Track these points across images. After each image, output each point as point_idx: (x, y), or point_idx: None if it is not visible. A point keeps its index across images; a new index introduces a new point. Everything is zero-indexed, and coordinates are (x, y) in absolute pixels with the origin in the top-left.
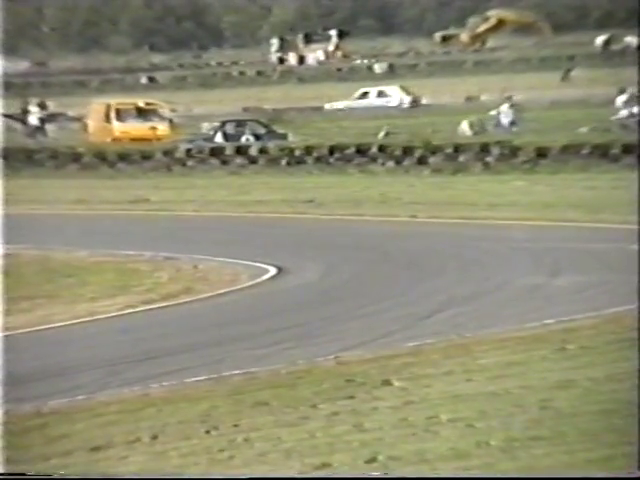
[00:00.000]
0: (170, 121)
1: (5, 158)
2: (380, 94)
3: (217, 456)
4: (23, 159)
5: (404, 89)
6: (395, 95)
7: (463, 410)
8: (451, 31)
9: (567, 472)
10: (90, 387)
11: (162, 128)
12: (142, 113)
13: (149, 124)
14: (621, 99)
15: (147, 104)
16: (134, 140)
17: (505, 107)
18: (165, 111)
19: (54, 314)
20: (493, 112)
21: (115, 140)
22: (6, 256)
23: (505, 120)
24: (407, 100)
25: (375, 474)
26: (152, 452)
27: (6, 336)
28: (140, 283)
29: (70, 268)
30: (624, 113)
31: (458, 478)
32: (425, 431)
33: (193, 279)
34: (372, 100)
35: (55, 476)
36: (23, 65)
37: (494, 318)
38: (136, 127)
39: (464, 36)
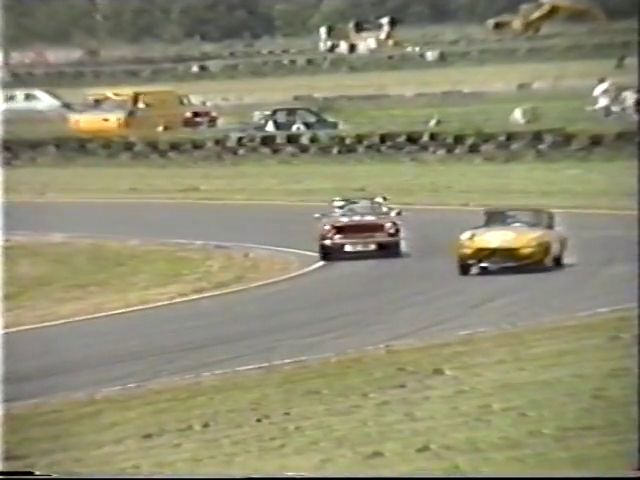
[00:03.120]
0: (131, 113)
1: (57, 147)
2: (28, 97)
3: (268, 444)
4: (76, 148)
5: (52, 94)
6: (45, 99)
7: (515, 399)
8: (504, 18)
9: (616, 462)
10: (142, 375)
11: (113, 120)
12: (102, 104)
13: (102, 115)
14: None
15: (115, 94)
16: (87, 132)
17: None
18: (125, 103)
19: (106, 302)
20: (603, 102)
21: (75, 132)
22: (59, 244)
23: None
24: (56, 105)
25: (374, 474)
26: (203, 440)
27: (59, 324)
28: (191, 272)
29: (122, 257)
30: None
31: (458, 478)
32: (477, 420)
33: (244, 268)
34: (20, 104)
35: (55, 476)
36: (75, 54)
37: (546, 307)
38: (89, 118)
39: (517, 23)
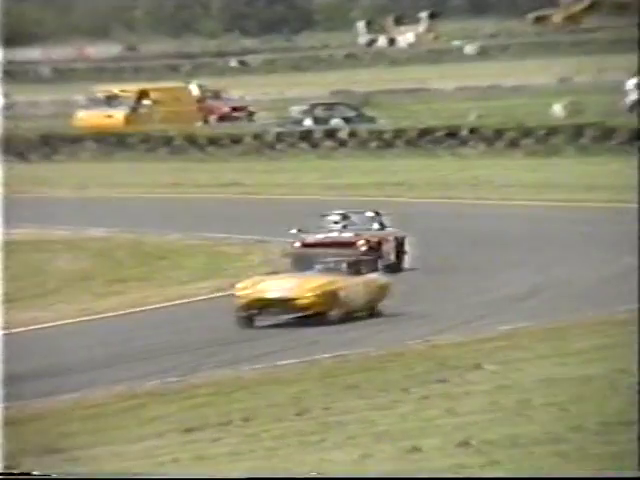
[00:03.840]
0: (134, 110)
1: (97, 142)
2: None
3: (308, 439)
4: (115, 143)
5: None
6: None
7: (557, 394)
8: (545, 12)
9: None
10: (182, 369)
11: (116, 116)
12: (109, 100)
13: (105, 112)
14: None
15: (121, 91)
16: (91, 128)
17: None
18: (129, 100)
19: (147, 297)
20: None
21: (79, 128)
22: (100, 239)
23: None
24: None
25: (373, 474)
26: (244, 434)
27: (99, 318)
28: (231, 266)
29: (162, 251)
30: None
31: (458, 478)
32: (518, 415)
33: (283, 262)
34: None
35: (54, 476)
36: (115, 49)
37: (589, 301)
38: (92, 115)
39: (558, 17)
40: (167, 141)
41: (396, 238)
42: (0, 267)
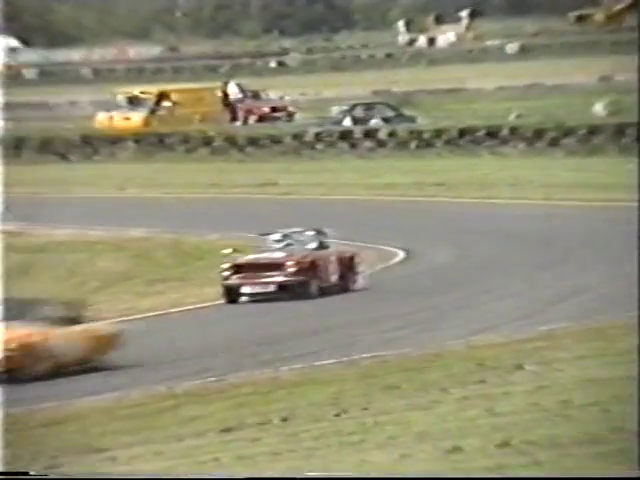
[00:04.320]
0: (153, 112)
1: (137, 142)
2: None
3: (348, 439)
4: (155, 143)
5: None
6: None
7: (597, 394)
8: (586, 10)
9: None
10: (222, 369)
11: (135, 119)
12: (131, 102)
13: (124, 114)
14: None
15: (142, 93)
16: (110, 130)
17: None
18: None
19: (186, 297)
20: None
21: (100, 130)
22: (140, 239)
23: None
24: None
25: (373, 474)
26: (283, 434)
27: (140, 318)
28: None
29: (202, 251)
30: None
31: (460, 478)
32: (558, 415)
33: None
34: None
35: (53, 476)
36: (155, 50)
37: (629, 301)
38: (111, 117)
39: (600, 15)
40: (207, 142)
41: (341, 258)
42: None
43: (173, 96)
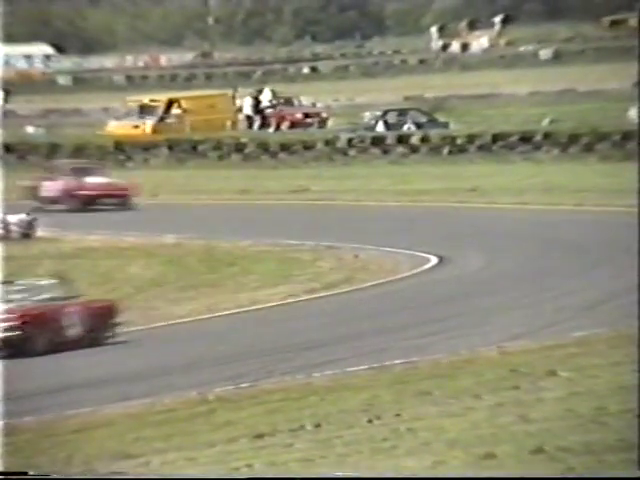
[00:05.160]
0: (162, 119)
1: (170, 148)
2: None
3: (380, 445)
4: (188, 149)
5: None
6: None
7: (631, 401)
8: (620, 15)
9: None
10: (254, 375)
11: (143, 127)
12: (142, 110)
13: (132, 122)
14: None
15: (151, 101)
16: (119, 138)
17: None
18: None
19: (218, 303)
20: None
21: (110, 138)
22: (172, 245)
23: None
24: None
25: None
26: (315, 440)
27: (172, 324)
28: (302, 272)
29: (233, 257)
30: None
31: (466, 478)
32: (592, 422)
33: (354, 268)
34: None
35: (55, 476)
36: (188, 56)
37: None
38: (120, 125)
39: (634, 20)
40: (239, 148)
41: (88, 308)
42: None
43: (183, 103)
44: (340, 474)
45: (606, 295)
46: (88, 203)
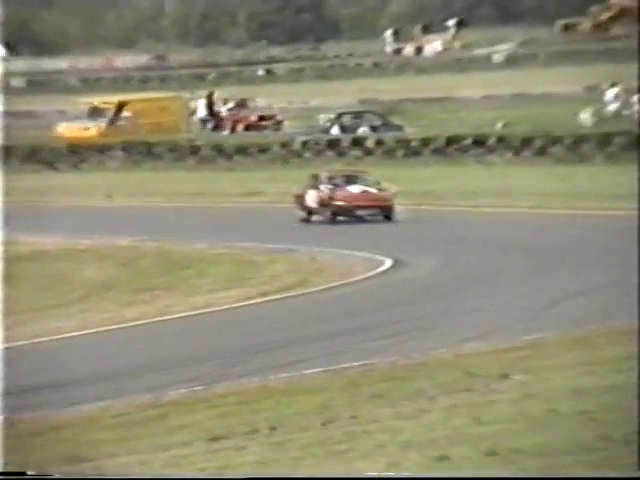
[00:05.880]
0: (112, 122)
1: (125, 151)
2: None
3: (335, 448)
4: (143, 152)
5: None
6: None
7: (584, 403)
8: (573, 20)
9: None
10: (208, 378)
11: (93, 129)
12: (93, 113)
13: (82, 124)
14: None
15: (102, 103)
16: (69, 140)
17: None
18: (109, 112)
19: (172, 305)
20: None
21: (59, 140)
22: (126, 248)
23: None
24: None
25: (373, 474)
26: (270, 443)
27: (126, 327)
28: (257, 275)
29: (188, 260)
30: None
31: (462, 478)
32: (545, 424)
33: (309, 271)
34: None
35: (55, 476)
36: (143, 59)
37: (613, 310)
38: (70, 127)
39: (586, 25)
40: (194, 150)
41: None
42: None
43: (134, 106)
44: (341, 474)
45: (559, 298)
46: (340, 214)
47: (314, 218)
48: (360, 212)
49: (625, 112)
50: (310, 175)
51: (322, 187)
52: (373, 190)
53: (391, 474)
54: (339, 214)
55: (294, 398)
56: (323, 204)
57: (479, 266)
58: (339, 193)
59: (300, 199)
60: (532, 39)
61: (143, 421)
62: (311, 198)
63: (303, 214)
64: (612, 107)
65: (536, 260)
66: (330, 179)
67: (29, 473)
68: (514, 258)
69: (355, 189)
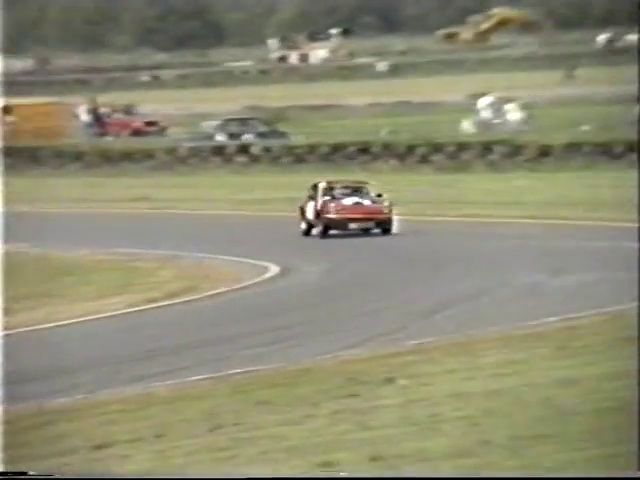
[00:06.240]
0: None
1: (8, 156)
2: None
3: (220, 454)
4: (27, 157)
5: None
6: None
7: (466, 408)
8: (454, 29)
9: (569, 470)
10: (92, 385)
11: None
12: None
13: None
14: None
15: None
16: None
17: (511, 106)
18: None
19: (56, 312)
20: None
21: None
22: (7, 254)
23: (512, 119)
24: None
25: (376, 474)
26: (155, 451)
27: (8, 335)
28: (143, 281)
29: (73, 267)
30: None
31: (460, 478)
32: (428, 429)
33: (196, 277)
34: None
35: (56, 476)
36: (26, 64)
37: (496, 316)
38: None
39: (467, 34)
40: (79, 156)
41: None
42: None
43: (17, 111)
44: (342, 474)
45: (440, 303)
46: (333, 227)
47: (314, 231)
48: (353, 225)
49: (496, 121)
50: (310, 185)
51: (319, 199)
52: (367, 202)
53: (390, 474)
54: (331, 227)
55: (179, 405)
56: (318, 216)
57: (369, 271)
58: (332, 205)
59: (301, 211)
60: (414, 48)
61: (25, 429)
62: (310, 210)
63: (304, 226)
64: (484, 116)
65: (424, 265)
66: (329, 190)
67: (30, 473)
68: (400, 264)
69: (349, 201)
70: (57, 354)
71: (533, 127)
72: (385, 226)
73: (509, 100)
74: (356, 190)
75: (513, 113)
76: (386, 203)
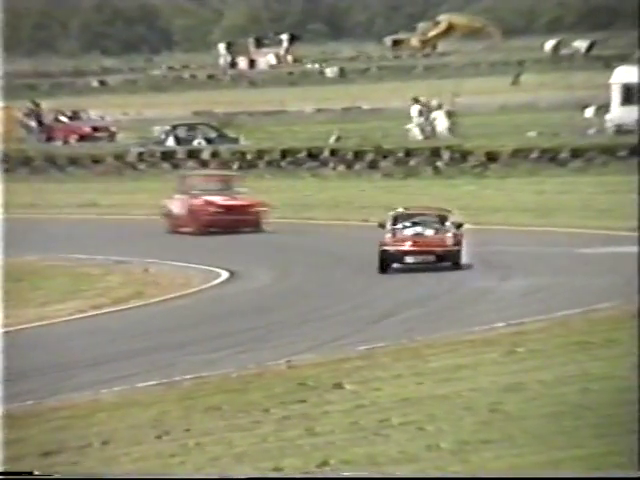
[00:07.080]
0: None
1: None
2: None
3: (168, 461)
4: None
5: None
6: None
7: (413, 413)
8: (401, 35)
9: (516, 474)
10: (40, 392)
11: None
12: None
13: None
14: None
15: None
16: None
17: (439, 113)
18: None
19: (4, 318)
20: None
21: None
22: None
23: (440, 126)
24: None
25: (375, 474)
26: (103, 457)
27: None
28: (90, 287)
29: (20, 272)
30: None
31: (458, 478)
32: (376, 434)
33: (144, 283)
34: None
35: (57, 476)
36: None
37: (444, 321)
38: None
39: (414, 40)
40: (26, 161)
41: None
42: None
43: None
44: (343, 474)
45: (389, 309)
46: (391, 261)
47: (183, 230)
48: (409, 259)
49: (428, 128)
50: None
51: (387, 227)
52: (430, 232)
53: (390, 474)
54: (388, 260)
55: (127, 411)
56: (192, 215)
57: (316, 278)
58: (389, 236)
59: (164, 208)
60: (362, 54)
61: None
62: (177, 206)
63: (168, 226)
64: (415, 122)
65: (372, 271)
66: (401, 218)
67: (35, 473)
68: (349, 270)
69: (410, 231)
70: (5, 360)
71: (456, 134)
72: (450, 260)
73: (438, 107)
74: (424, 219)
75: (439, 120)
76: (449, 234)
